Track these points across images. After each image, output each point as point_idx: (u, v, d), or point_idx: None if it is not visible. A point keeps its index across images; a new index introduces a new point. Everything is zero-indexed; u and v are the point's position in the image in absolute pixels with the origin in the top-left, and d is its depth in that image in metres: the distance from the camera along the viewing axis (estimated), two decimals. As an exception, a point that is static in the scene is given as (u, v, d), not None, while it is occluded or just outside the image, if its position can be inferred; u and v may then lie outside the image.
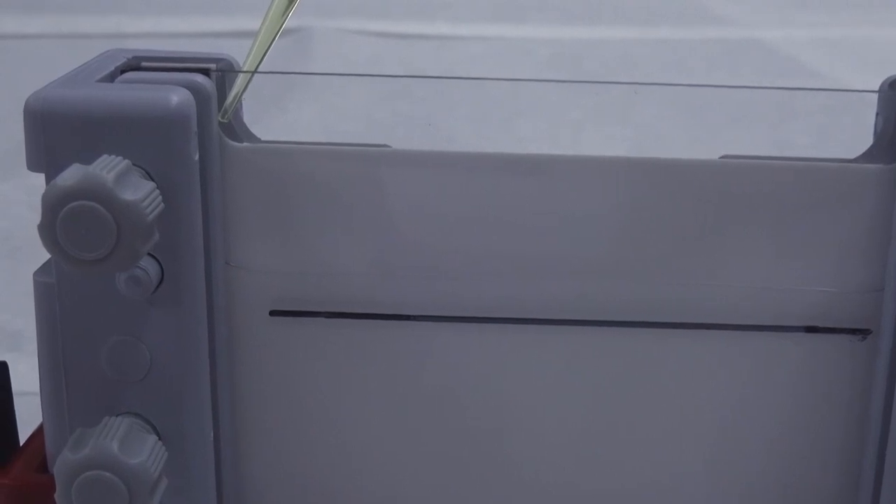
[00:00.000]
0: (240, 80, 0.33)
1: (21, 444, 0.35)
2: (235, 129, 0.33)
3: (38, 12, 1.24)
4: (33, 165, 0.30)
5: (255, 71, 0.33)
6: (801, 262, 0.33)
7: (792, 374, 0.34)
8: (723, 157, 0.33)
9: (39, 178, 0.31)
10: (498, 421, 0.35)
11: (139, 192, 0.28)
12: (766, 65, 1.17)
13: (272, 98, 0.94)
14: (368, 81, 0.98)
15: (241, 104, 0.34)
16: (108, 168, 0.27)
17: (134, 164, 0.29)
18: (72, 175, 0.27)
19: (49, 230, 0.27)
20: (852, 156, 0.33)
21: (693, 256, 0.33)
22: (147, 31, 1.17)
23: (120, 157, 0.28)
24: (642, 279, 0.33)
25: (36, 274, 0.32)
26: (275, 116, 0.91)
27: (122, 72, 0.33)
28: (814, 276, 0.33)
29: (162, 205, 0.29)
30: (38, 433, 0.34)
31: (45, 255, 0.31)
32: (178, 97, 0.30)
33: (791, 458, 0.35)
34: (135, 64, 0.33)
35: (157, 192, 0.29)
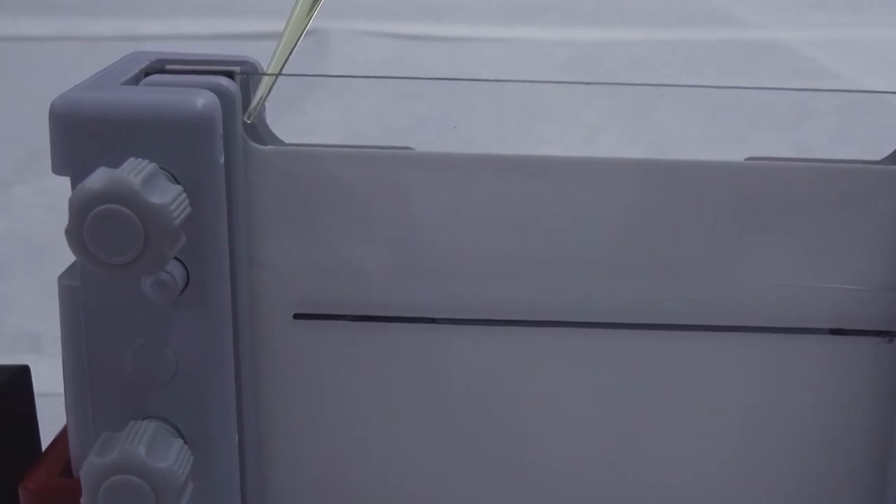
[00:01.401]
0: (265, 81, 0.33)
1: (44, 446, 0.35)
2: (259, 131, 0.33)
3: (52, 14, 1.25)
4: (58, 169, 0.30)
5: (280, 73, 0.33)
6: (827, 262, 0.33)
7: (816, 376, 0.34)
8: (748, 158, 0.33)
9: (58, 181, 0.31)
10: (521, 424, 0.35)
11: (166, 195, 0.27)
12: (783, 66, 1.17)
13: (290, 100, 0.94)
14: (386, 83, 0.98)
15: (264, 106, 0.34)
16: (135, 171, 0.27)
17: (160, 168, 0.29)
18: (99, 178, 0.27)
19: (76, 234, 0.27)
20: (869, 157, 0.33)
21: (719, 258, 0.33)
22: (161, 33, 1.17)
23: (147, 161, 0.28)
24: (667, 281, 0.33)
25: (61, 277, 0.32)
26: (293, 118, 0.91)
27: (147, 74, 0.32)
28: (840, 276, 0.33)
29: (189, 208, 0.29)
30: (61, 437, 0.34)
31: (64, 258, 0.31)
32: (203, 100, 0.30)
33: (814, 464, 0.35)
34: (158, 67, 0.33)
35: (184, 195, 0.29)
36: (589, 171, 0.33)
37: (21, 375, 0.34)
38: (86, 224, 0.27)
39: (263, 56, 0.34)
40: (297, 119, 0.91)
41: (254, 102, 0.32)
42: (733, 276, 0.33)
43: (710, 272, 0.33)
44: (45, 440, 0.35)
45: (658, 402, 0.34)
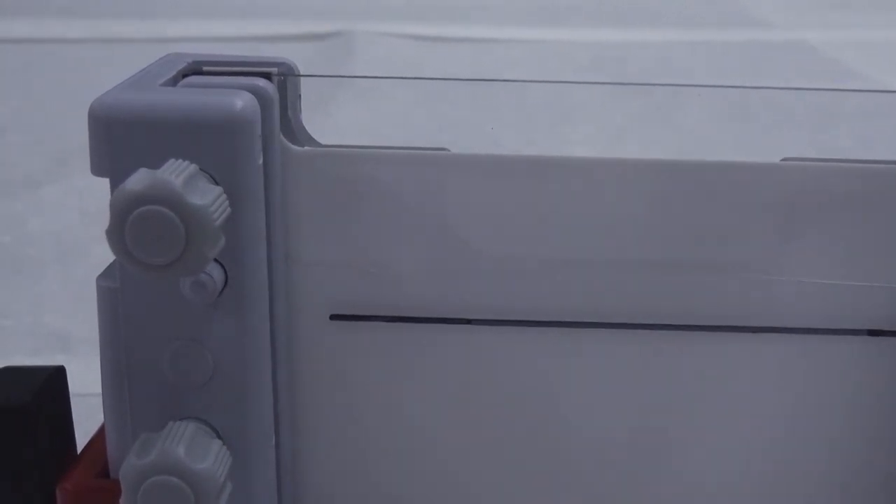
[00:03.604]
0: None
1: (79, 446, 0.35)
2: (296, 132, 0.33)
3: (79, 16, 1.25)
4: (97, 170, 0.30)
5: (317, 74, 0.33)
6: (864, 262, 0.33)
7: (853, 377, 0.34)
8: (784, 159, 0.33)
9: (88, 181, 0.30)
10: (557, 425, 0.35)
11: (207, 196, 0.27)
12: (809, 67, 1.17)
13: (316, 101, 0.94)
14: (411, 84, 0.98)
15: (300, 108, 0.34)
16: (176, 172, 0.27)
17: (200, 169, 0.29)
18: (140, 179, 0.27)
19: (117, 235, 0.27)
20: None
21: (754, 258, 0.33)
22: (188, 35, 1.18)
23: (187, 162, 0.28)
24: (703, 282, 0.33)
25: (99, 279, 0.32)
26: (322, 118, 0.91)
27: (184, 76, 0.33)
28: (877, 277, 0.33)
29: (229, 209, 0.29)
30: (97, 438, 0.34)
31: (94, 258, 0.31)
32: (242, 101, 0.30)
33: (852, 465, 0.34)
34: (196, 68, 0.33)
35: (224, 196, 0.29)
36: (626, 172, 0.33)
37: (57, 376, 0.34)
38: (127, 225, 0.27)
39: (293, 57, 0.34)
40: (325, 119, 0.92)
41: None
42: (768, 277, 0.33)
43: (745, 273, 0.33)
44: (78, 440, 0.35)
45: (694, 403, 0.34)
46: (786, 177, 0.32)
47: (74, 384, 0.35)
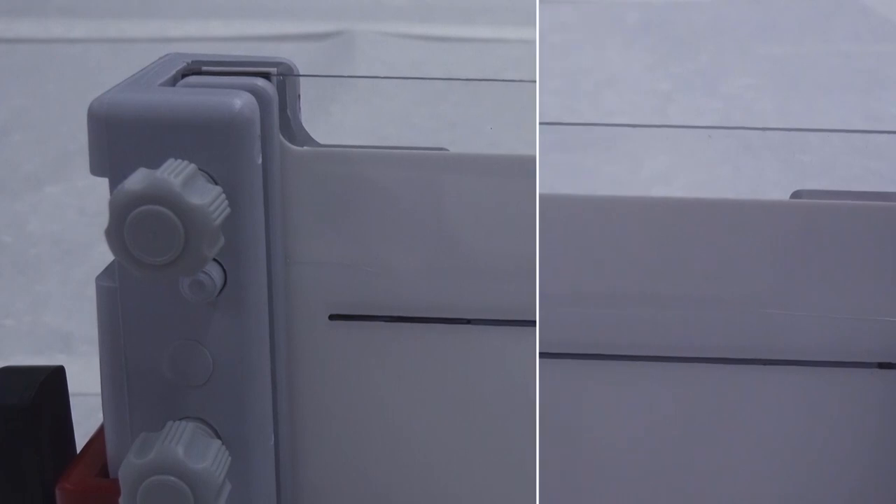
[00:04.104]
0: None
1: (78, 445, 0.35)
2: (295, 132, 0.33)
3: (81, 16, 1.25)
4: (97, 170, 0.30)
5: (317, 74, 0.33)
6: (874, 296, 0.33)
7: (863, 410, 0.34)
8: (795, 192, 0.33)
9: (88, 182, 0.30)
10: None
11: (206, 196, 0.27)
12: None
13: (317, 101, 0.94)
14: (414, 84, 0.98)
15: (299, 108, 0.34)
16: (175, 172, 0.27)
17: (199, 169, 0.29)
18: (139, 179, 0.27)
19: (117, 234, 0.27)
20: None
21: (765, 292, 0.33)
22: (189, 35, 1.18)
23: (186, 162, 0.28)
24: (712, 315, 0.33)
25: (98, 278, 0.32)
26: (322, 118, 0.91)
27: (183, 76, 0.33)
28: (887, 310, 0.33)
29: (228, 209, 0.29)
30: (97, 437, 0.34)
31: (94, 259, 0.31)
32: (241, 101, 0.30)
33: (862, 498, 0.34)
34: (195, 68, 0.33)
35: (223, 196, 0.28)
36: (639, 209, 0.33)
37: (56, 376, 0.34)
38: (126, 225, 0.27)
39: (293, 57, 0.34)
40: (326, 120, 0.92)
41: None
42: (780, 311, 0.33)
43: (758, 307, 0.33)
44: (78, 440, 0.35)
45: (703, 435, 0.34)
46: (794, 214, 0.32)
47: (74, 384, 0.35)
